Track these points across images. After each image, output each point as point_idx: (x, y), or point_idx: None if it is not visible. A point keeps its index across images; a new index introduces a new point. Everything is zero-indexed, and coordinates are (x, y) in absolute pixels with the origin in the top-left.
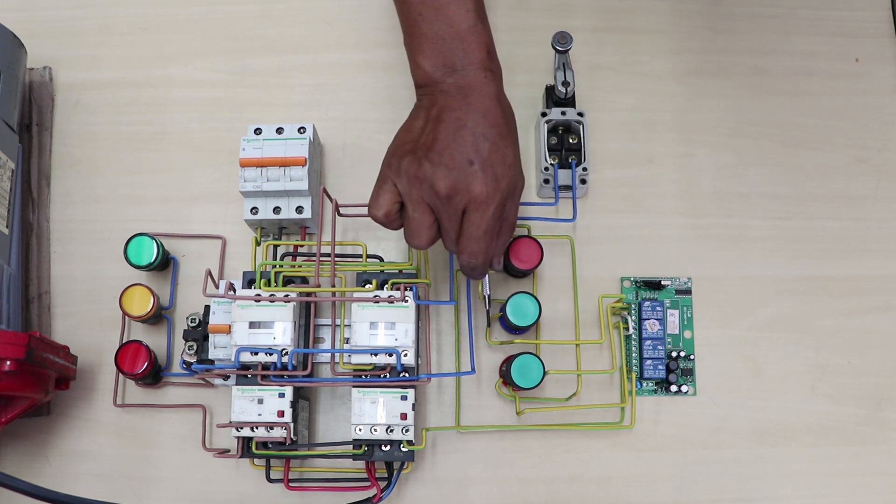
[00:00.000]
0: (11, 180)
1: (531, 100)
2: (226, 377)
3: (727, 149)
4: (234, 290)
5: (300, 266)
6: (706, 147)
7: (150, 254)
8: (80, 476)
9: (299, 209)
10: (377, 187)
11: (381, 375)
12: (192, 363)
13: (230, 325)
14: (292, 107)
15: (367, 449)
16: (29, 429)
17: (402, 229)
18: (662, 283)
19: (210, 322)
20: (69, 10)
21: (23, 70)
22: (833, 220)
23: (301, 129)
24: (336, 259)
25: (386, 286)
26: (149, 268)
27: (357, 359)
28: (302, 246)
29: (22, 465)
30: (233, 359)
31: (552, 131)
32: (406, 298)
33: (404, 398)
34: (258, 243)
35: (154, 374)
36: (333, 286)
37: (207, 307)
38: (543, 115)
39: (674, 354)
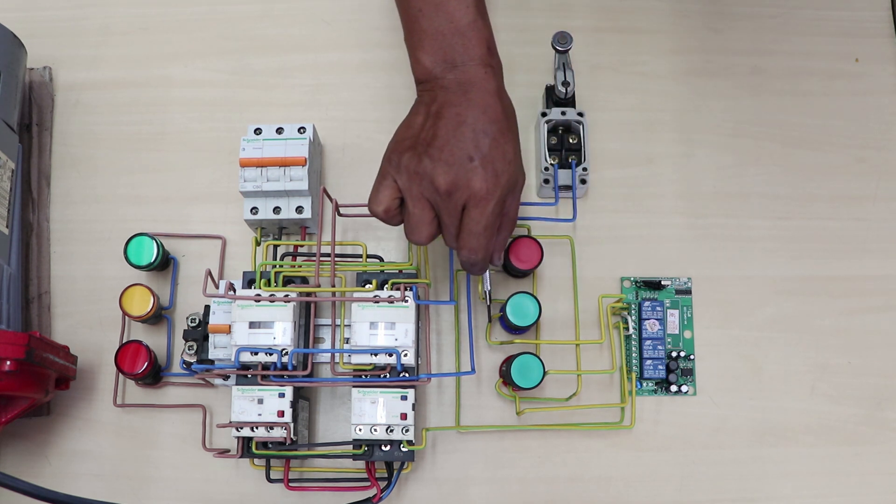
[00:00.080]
0: (11, 180)
1: (531, 100)
2: (226, 377)
3: (727, 149)
4: (234, 290)
5: (300, 266)
6: (706, 147)
7: (150, 254)
8: (80, 476)
9: (299, 209)
10: (377, 183)
11: (381, 375)
12: (192, 363)
13: (230, 325)
14: (292, 107)
15: (367, 449)
16: (29, 429)
17: (401, 225)
18: (662, 283)
19: (210, 322)
20: (69, 10)
21: (23, 70)
22: (833, 220)
23: (301, 129)
24: (336, 259)
25: (386, 286)
26: (149, 268)
27: (357, 359)
28: (302, 246)
29: (22, 465)
30: (233, 359)
31: (552, 131)
32: (406, 298)
33: (404, 398)
34: (258, 243)
35: (154, 375)
36: (333, 286)
37: (207, 307)
38: (543, 115)
39: (674, 354)
